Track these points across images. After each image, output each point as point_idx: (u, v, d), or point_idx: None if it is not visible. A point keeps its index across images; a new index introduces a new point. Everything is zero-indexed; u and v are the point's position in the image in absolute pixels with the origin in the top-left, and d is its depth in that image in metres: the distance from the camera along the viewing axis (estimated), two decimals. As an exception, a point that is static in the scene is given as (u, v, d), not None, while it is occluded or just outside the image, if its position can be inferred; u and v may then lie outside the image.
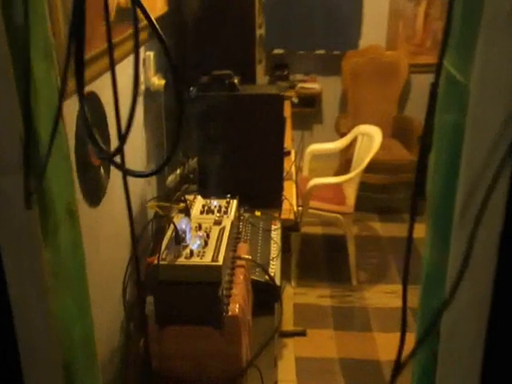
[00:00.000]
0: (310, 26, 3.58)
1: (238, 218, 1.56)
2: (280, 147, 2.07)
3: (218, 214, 1.36)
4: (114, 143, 1.79)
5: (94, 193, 1.65)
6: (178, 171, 2.38)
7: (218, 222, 1.33)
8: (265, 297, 1.65)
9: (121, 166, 0.63)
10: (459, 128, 0.61)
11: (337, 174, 3.75)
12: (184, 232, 1.26)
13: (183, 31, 2.33)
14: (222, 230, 1.30)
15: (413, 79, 3.87)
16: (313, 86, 3.74)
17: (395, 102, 3.75)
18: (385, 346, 2.71)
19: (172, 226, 1.27)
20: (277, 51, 3.71)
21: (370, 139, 2.82)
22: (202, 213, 1.42)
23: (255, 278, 1.61)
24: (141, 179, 2.18)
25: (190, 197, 1.51)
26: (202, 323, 1.21)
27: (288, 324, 2.95)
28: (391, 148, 3.57)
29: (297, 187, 2.67)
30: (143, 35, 2.09)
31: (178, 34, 2.35)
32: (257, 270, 1.72)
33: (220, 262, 1.18)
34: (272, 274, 1.72)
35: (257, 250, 1.82)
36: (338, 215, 2.90)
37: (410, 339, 0.62)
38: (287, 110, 3.23)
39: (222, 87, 1.96)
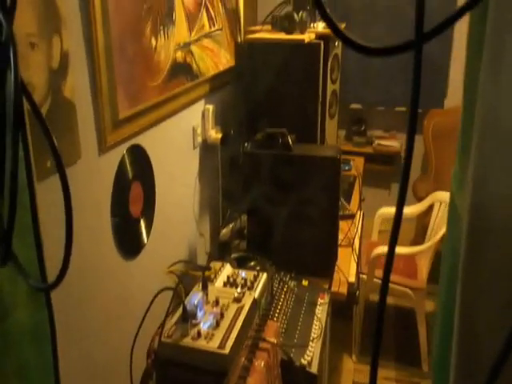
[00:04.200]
0: (389, 82, 3.40)
1: (268, 291, 1.39)
2: (335, 212, 1.89)
3: (239, 291, 1.20)
4: (160, 195, 1.75)
5: (131, 245, 1.59)
6: (231, 226, 2.28)
7: (237, 300, 1.18)
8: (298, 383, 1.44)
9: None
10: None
11: (413, 241, 3.43)
12: (196, 307, 1.13)
13: (249, 85, 2.28)
14: (240, 310, 1.14)
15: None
16: (392, 143, 3.51)
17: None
18: None
19: (184, 299, 1.15)
20: (354, 106, 3.56)
21: (445, 207, 2.52)
22: (225, 285, 1.28)
23: (287, 359, 1.42)
24: (192, 231, 2.11)
25: (217, 264, 1.37)
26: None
27: (343, 405, 2.64)
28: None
29: (360, 253, 2.44)
30: (204, 88, 2.07)
31: (244, 87, 2.31)
32: (292, 350, 1.52)
33: (226, 350, 1.02)
34: (309, 358, 1.51)
35: (296, 327, 1.62)
36: (407, 290, 2.59)
37: None
38: (359, 167, 3.03)
39: (276, 145, 1.85)
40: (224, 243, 2.22)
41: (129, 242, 1.56)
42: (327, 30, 2.25)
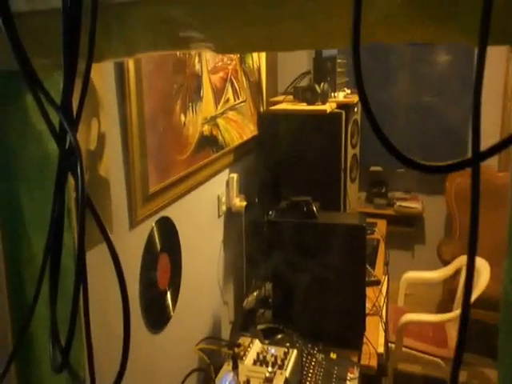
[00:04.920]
0: (409, 144, 3.44)
1: (299, 366, 1.35)
2: (361, 280, 1.86)
3: (269, 370, 1.17)
4: (186, 265, 1.75)
5: (158, 318, 1.57)
6: (255, 294, 2.25)
7: (268, 379, 1.14)
8: None
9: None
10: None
11: (440, 306, 3.34)
12: (227, 389, 1.09)
13: (273, 153, 2.33)
14: (272, 391, 1.11)
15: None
16: (413, 205, 3.50)
17: (510, 227, 3.32)
18: None
19: (215, 378, 1.12)
20: (374, 168, 3.59)
21: (476, 273, 2.46)
22: (255, 363, 1.25)
23: None
24: (216, 300, 2.09)
25: (246, 340, 1.35)
26: None
27: None
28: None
29: (387, 320, 2.37)
30: (228, 158, 2.12)
31: (267, 156, 2.35)
32: (324, 431, 1.45)
33: None
34: None
35: (326, 405, 1.55)
36: (438, 359, 2.48)
37: None
38: (382, 230, 3.01)
39: (300, 214, 1.86)
40: (248, 312, 2.18)
41: (156, 315, 1.55)
42: (348, 99, 2.32)
